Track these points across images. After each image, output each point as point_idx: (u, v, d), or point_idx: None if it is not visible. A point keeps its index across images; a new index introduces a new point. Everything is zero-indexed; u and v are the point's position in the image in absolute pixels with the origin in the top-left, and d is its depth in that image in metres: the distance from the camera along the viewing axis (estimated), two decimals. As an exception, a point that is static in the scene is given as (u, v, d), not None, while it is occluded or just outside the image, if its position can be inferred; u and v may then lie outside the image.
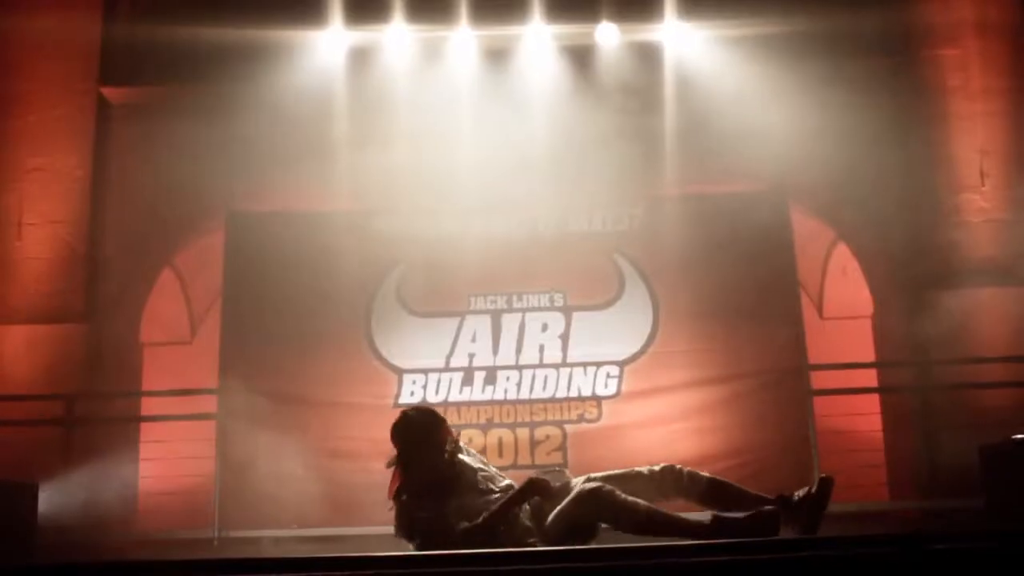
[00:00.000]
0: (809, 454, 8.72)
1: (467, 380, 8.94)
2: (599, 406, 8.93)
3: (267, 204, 9.36)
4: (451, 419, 8.71)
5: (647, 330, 9.07)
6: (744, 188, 9.45)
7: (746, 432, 8.85)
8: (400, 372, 8.98)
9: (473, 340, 9.01)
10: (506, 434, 8.85)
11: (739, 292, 9.04)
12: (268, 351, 8.89)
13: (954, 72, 10.17)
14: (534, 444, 8.82)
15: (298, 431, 8.65)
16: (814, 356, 9.27)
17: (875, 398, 10.15)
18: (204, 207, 9.56)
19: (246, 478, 8.34)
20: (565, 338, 9.02)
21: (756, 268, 9.13)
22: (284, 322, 8.96)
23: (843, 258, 11.34)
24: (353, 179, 9.00)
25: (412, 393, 8.92)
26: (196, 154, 9.09)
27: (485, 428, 8.84)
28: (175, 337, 11.66)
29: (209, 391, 8.94)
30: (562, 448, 8.81)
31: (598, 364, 8.97)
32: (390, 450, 8.48)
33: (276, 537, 8.36)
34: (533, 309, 9.09)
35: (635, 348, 9.04)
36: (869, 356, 10.35)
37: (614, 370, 8.98)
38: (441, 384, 8.95)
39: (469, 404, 8.90)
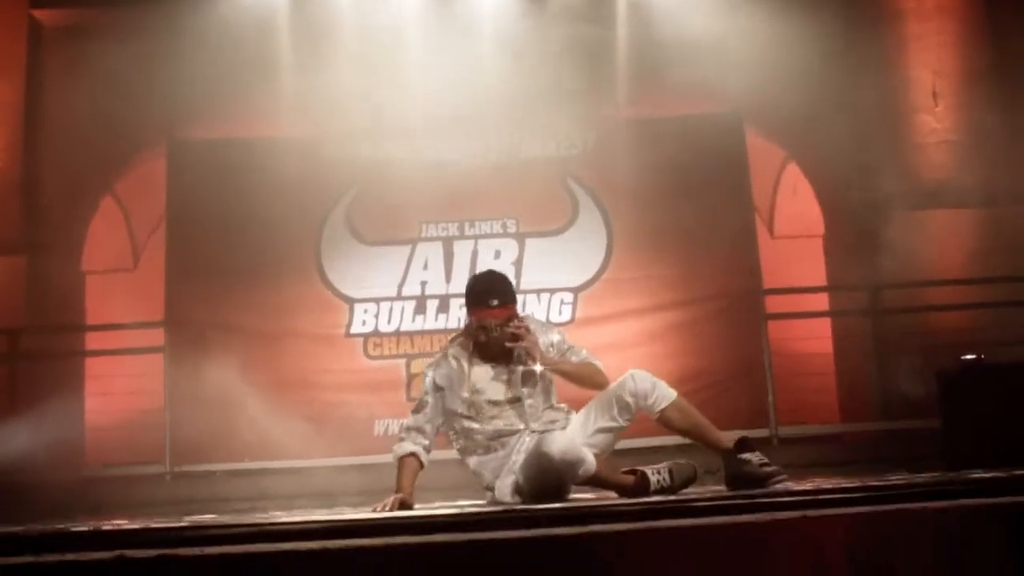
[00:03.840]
0: (763, 378, 8.72)
1: (420, 309, 8.85)
2: (553, 333, 8.82)
3: (211, 131, 9.11)
4: (404, 349, 8.72)
5: (601, 256, 9.01)
6: (699, 110, 9.33)
7: (701, 357, 8.84)
8: (351, 301, 8.85)
9: (425, 268, 8.90)
10: None
11: (694, 216, 8.98)
12: (215, 281, 8.73)
13: (908, -8, 10.05)
14: None
15: (248, 362, 8.51)
16: (766, 274, 9.26)
17: (828, 321, 10.18)
18: (145, 133, 9.28)
19: (196, 412, 8.17)
20: (518, 265, 8.94)
21: (711, 192, 9.09)
22: (231, 252, 8.78)
23: (793, 178, 11.31)
24: (301, 104, 8.75)
25: (364, 323, 8.81)
26: (135, 78, 8.74)
27: None
28: (118, 265, 11.44)
29: (155, 324, 8.74)
30: None
31: (552, 291, 8.91)
32: (372, 368, 8.80)
33: (229, 471, 8.28)
34: (486, 236, 9.00)
35: (589, 274, 8.99)
36: (820, 275, 10.36)
37: (568, 297, 8.92)
38: (393, 313, 8.84)
39: (422, 333, 8.80)
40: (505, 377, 4.71)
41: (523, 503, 4.53)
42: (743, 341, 8.87)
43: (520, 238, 8.98)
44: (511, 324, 4.60)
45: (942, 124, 9.94)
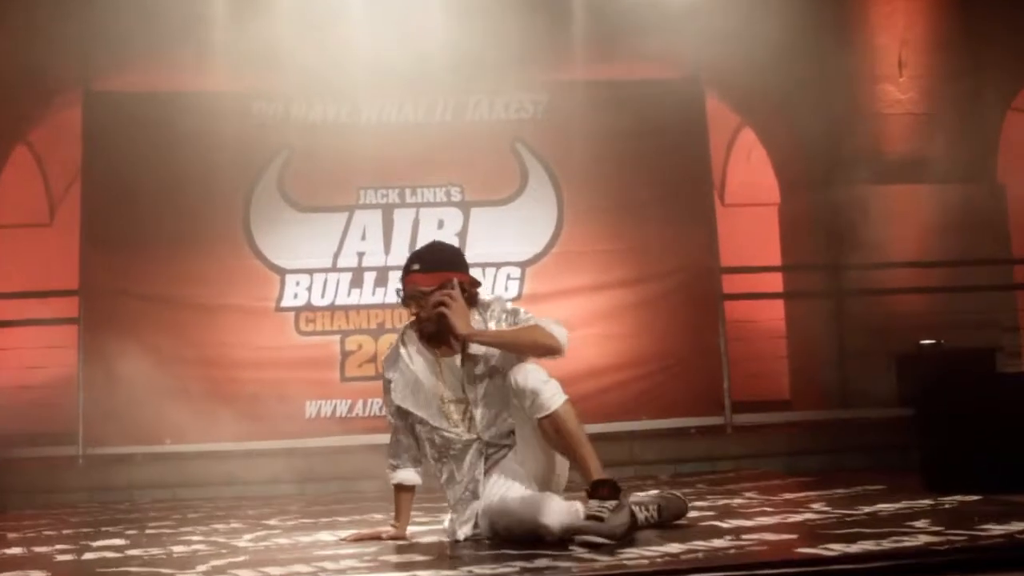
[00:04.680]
0: (719, 363, 8.33)
1: (356, 281, 8.34)
2: (499, 310, 8.34)
3: (131, 83, 8.44)
4: (339, 324, 8.33)
5: (551, 228, 8.55)
6: (656, 75, 8.85)
7: (654, 339, 8.44)
8: (282, 272, 8.31)
9: (363, 238, 8.39)
10: None
11: (649, 188, 8.57)
12: (135, 249, 8.14)
13: (875, -45, 9.66)
14: None
15: (170, 336, 8.02)
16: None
17: (780, 302, 9.84)
18: (61, 81, 8.60)
19: (113, 389, 7.65)
20: (463, 236, 8.43)
21: (669, 162, 8.67)
22: (152, 216, 8.18)
23: (748, 144, 10.94)
24: (230, 56, 8.05)
25: (295, 295, 8.30)
26: (47, 22, 8.07)
27: (376, 334, 8.25)
28: (32, 219, 10.82)
29: (69, 293, 8.17)
30: None
31: (498, 265, 8.44)
32: (303, 344, 8.20)
33: (149, 454, 7.77)
34: (428, 204, 8.49)
35: (538, 248, 8.54)
36: (773, 247, 10.02)
37: (515, 271, 8.47)
38: (328, 286, 8.33)
39: (359, 308, 8.30)
40: (452, 369, 4.13)
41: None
42: (698, 322, 8.48)
43: (465, 207, 8.47)
44: (437, 292, 4.02)
45: (906, 95, 9.63)
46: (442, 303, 3.98)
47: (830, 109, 9.35)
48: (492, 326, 4.06)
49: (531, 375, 3.87)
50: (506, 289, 8.36)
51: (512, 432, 4.11)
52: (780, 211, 10.15)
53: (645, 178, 8.56)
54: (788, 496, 5.29)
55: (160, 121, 8.17)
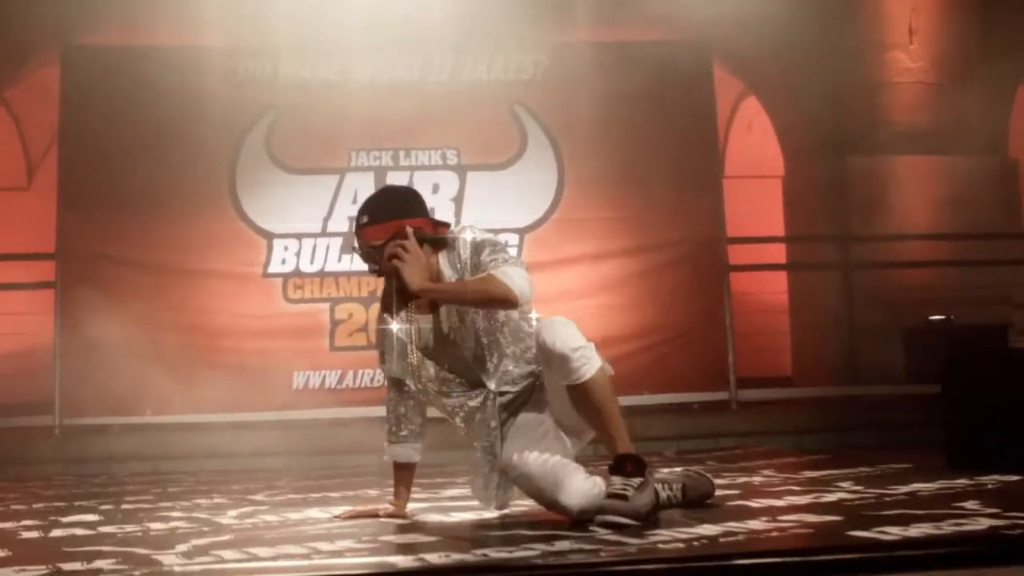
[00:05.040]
0: (724, 336, 8.03)
1: (347, 247, 7.94)
2: (496, 279, 8.03)
3: (112, 36, 8.09)
4: (328, 292, 8.07)
5: (551, 194, 8.25)
6: (661, 36, 8.52)
7: (657, 311, 8.15)
8: (270, 236, 8.00)
9: (354, 201, 7.95)
10: None
11: (655, 154, 8.26)
12: (114, 209, 7.80)
13: (885, -86, 9.34)
14: None
15: (152, 303, 7.70)
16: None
17: (784, 274, 9.56)
18: (36, 34, 8.16)
19: (91, 357, 7.34)
20: (459, 201, 8.15)
21: (674, 128, 8.37)
22: (133, 176, 7.85)
23: (749, 112, 10.63)
24: (217, 10, 7.70)
25: (283, 261, 8.00)
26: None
27: (368, 302, 7.90)
28: (9, 183, 10.46)
29: (45, 256, 7.84)
30: None
31: (496, 231, 7.84)
32: (291, 312, 7.83)
33: (127, 425, 7.43)
34: (423, 167, 8.17)
35: (537, 214, 8.24)
36: (777, 221, 9.72)
37: (513, 239, 8.17)
38: (317, 251, 8.03)
39: (350, 275, 7.98)
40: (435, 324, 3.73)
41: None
42: (703, 294, 8.20)
43: (461, 171, 8.15)
44: (388, 245, 3.61)
45: (916, 64, 9.31)
46: (395, 255, 3.58)
47: (838, 77, 9.05)
48: (454, 272, 3.66)
49: (560, 338, 3.45)
50: (504, 257, 8.00)
51: (530, 374, 3.72)
52: (784, 182, 9.86)
53: (649, 144, 8.24)
54: (810, 474, 4.97)
55: (142, 77, 7.81)
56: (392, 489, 3.93)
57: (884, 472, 4.87)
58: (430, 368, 3.76)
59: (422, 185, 8.00)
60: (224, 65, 7.96)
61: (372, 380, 7.78)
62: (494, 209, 8.08)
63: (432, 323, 3.74)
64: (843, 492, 4.03)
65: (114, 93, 7.84)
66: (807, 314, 9.32)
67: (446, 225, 3.81)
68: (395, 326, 3.75)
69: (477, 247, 3.66)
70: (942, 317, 8.62)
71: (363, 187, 8.00)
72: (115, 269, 7.68)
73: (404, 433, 3.87)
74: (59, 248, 7.76)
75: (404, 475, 3.92)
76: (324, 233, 8.02)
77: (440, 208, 8.05)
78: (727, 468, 5.50)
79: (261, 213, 7.98)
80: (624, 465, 3.44)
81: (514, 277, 3.55)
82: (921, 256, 8.83)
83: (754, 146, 10.75)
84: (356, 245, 3.74)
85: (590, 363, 3.45)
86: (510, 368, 3.72)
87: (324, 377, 7.81)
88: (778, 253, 9.56)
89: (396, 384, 3.86)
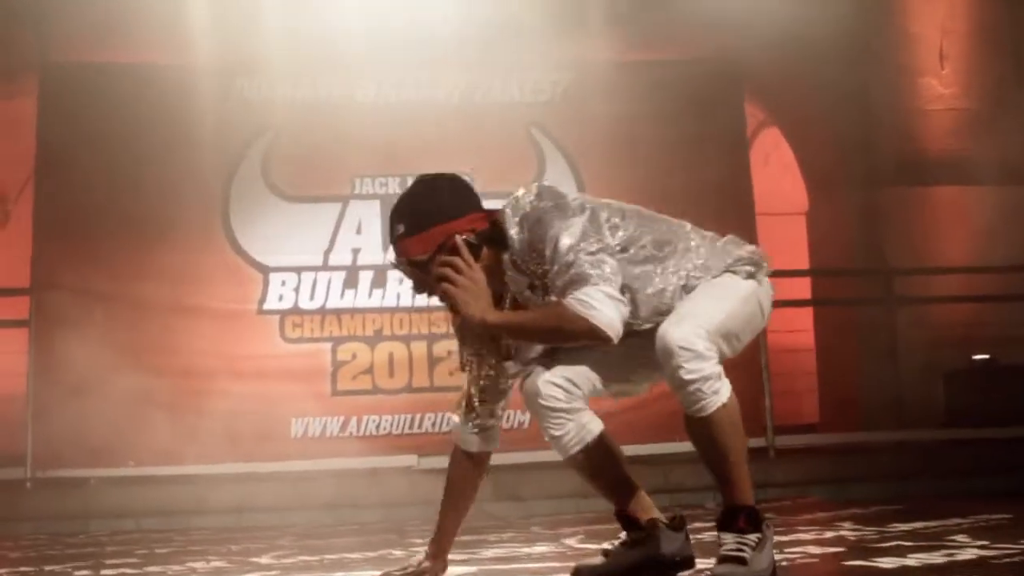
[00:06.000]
0: (759, 378, 7.46)
1: (350, 282, 7.60)
2: (512, 315, 7.53)
3: (95, 53, 7.59)
4: (329, 330, 7.65)
5: (568, 223, 7.63)
6: (685, 56, 8.10)
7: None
8: (266, 270, 7.54)
9: (358, 232, 7.65)
10: (398, 348, 7.54)
11: (681, 180, 7.75)
12: (96, 240, 7.34)
13: (914, -65, 9.04)
14: (433, 361, 7.52)
15: (136, 342, 7.21)
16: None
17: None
18: (15, 56, 7.78)
19: (68, 402, 6.84)
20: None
21: (701, 153, 7.96)
22: (118, 204, 7.38)
23: (767, 145, 10.19)
24: (209, 26, 7.29)
25: (281, 297, 7.52)
26: None
27: (373, 341, 7.50)
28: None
29: (18, 292, 7.29)
30: None
31: None
32: (289, 353, 7.32)
33: (108, 478, 6.84)
34: (433, 194, 7.55)
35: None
36: (798, 255, 9.29)
37: None
38: (318, 286, 7.56)
39: (353, 311, 7.54)
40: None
41: None
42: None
43: (474, 198, 7.56)
44: (435, 261, 2.90)
45: (949, 89, 8.96)
46: (444, 277, 2.88)
47: (867, 105, 8.76)
48: (519, 275, 2.94)
49: (681, 364, 2.78)
50: (521, 293, 7.50)
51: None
52: (809, 217, 9.41)
53: (675, 171, 7.79)
54: (901, 527, 4.34)
55: (128, 97, 7.41)
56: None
57: (993, 524, 4.27)
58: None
59: None
60: (217, 85, 7.55)
61: (378, 427, 7.31)
62: (509, 239, 7.55)
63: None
64: (977, 549, 3.41)
65: (96, 114, 7.40)
66: (836, 353, 8.84)
67: (494, 216, 3.03)
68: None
69: (536, 237, 2.89)
70: (986, 357, 8.16)
71: (367, 216, 7.63)
72: (95, 305, 7.18)
73: (472, 412, 3.08)
74: (34, 282, 7.25)
75: (453, 492, 3.14)
76: (325, 267, 7.57)
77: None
78: (792, 521, 4.95)
79: (257, 245, 7.53)
80: (736, 518, 2.82)
81: (597, 304, 2.81)
82: (960, 291, 8.43)
83: (771, 180, 10.29)
84: (394, 260, 3.01)
85: (712, 397, 2.83)
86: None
87: (325, 424, 7.33)
88: (802, 289, 9.06)
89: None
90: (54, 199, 7.37)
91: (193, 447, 6.84)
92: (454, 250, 2.89)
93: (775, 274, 8.58)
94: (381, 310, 7.48)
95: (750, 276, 3.01)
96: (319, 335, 7.47)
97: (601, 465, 3.04)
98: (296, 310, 7.46)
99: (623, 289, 2.87)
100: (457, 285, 2.86)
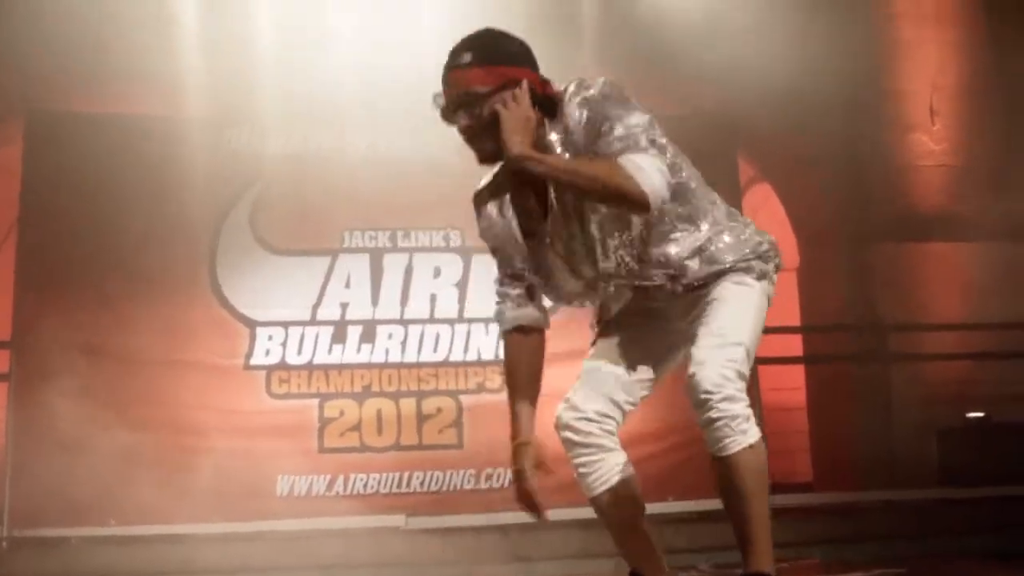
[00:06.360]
0: (754, 435, 7.34)
1: (339, 337, 7.36)
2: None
3: (82, 102, 7.44)
4: (317, 386, 7.43)
5: (562, 280, 7.50)
6: (677, 111, 8.00)
7: (678, 408, 7.32)
8: (253, 324, 7.28)
9: (347, 286, 7.43)
10: (387, 405, 7.30)
11: (675, 237, 7.55)
12: (80, 292, 7.08)
13: (904, -8, 9.04)
14: (422, 419, 7.30)
15: (118, 396, 6.94)
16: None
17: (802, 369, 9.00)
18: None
19: (47, 458, 6.59)
20: (463, 287, 7.49)
21: None
22: (102, 255, 7.14)
23: (755, 200, 10.13)
24: (201, 77, 7.21)
25: (268, 351, 7.26)
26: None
27: (361, 398, 7.26)
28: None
29: (0, 344, 7.09)
30: (456, 424, 7.33)
31: None
32: (276, 409, 7.07)
33: (89, 537, 6.62)
34: (424, 249, 7.53)
35: (546, 302, 7.42)
36: (788, 312, 9.16)
37: None
38: (306, 341, 7.32)
39: (341, 367, 7.31)
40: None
41: None
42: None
43: (465, 254, 7.48)
44: (492, 98, 2.89)
45: (940, 146, 8.94)
46: (500, 105, 2.86)
47: (859, 160, 8.72)
48: (567, 152, 2.90)
49: (713, 405, 2.80)
50: (510, 348, 7.38)
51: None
52: (800, 272, 9.33)
53: (667, 226, 7.63)
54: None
55: (115, 148, 7.16)
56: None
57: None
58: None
59: (423, 270, 7.54)
60: (206, 136, 7.33)
61: (365, 486, 7.07)
62: (500, 296, 7.42)
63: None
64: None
65: (82, 164, 7.13)
66: (829, 411, 8.74)
67: (551, 88, 3.03)
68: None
69: (597, 116, 2.88)
70: (980, 415, 8.09)
71: (357, 270, 7.43)
72: (78, 358, 6.90)
73: (516, 291, 3.19)
74: (15, 335, 7.02)
75: (519, 377, 3.13)
76: (313, 321, 7.33)
77: (442, 294, 7.44)
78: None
79: (244, 298, 7.29)
80: None
81: (647, 168, 2.79)
82: (954, 348, 8.38)
83: (763, 235, 10.28)
84: (442, 96, 2.98)
85: (737, 437, 2.81)
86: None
87: (312, 482, 7.07)
88: (794, 347, 8.97)
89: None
90: (37, 249, 7.13)
91: (177, 506, 6.59)
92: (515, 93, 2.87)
93: (782, 330, 8.54)
94: (370, 366, 7.27)
95: (763, 276, 2.98)
96: (306, 391, 7.24)
97: (623, 511, 3.01)
98: (283, 365, 7.23)
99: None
100: (510, 112, 2.84)
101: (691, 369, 2.83)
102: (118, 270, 7.11)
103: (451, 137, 7.78)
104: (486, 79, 2.88)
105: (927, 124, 8.92)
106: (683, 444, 7.28)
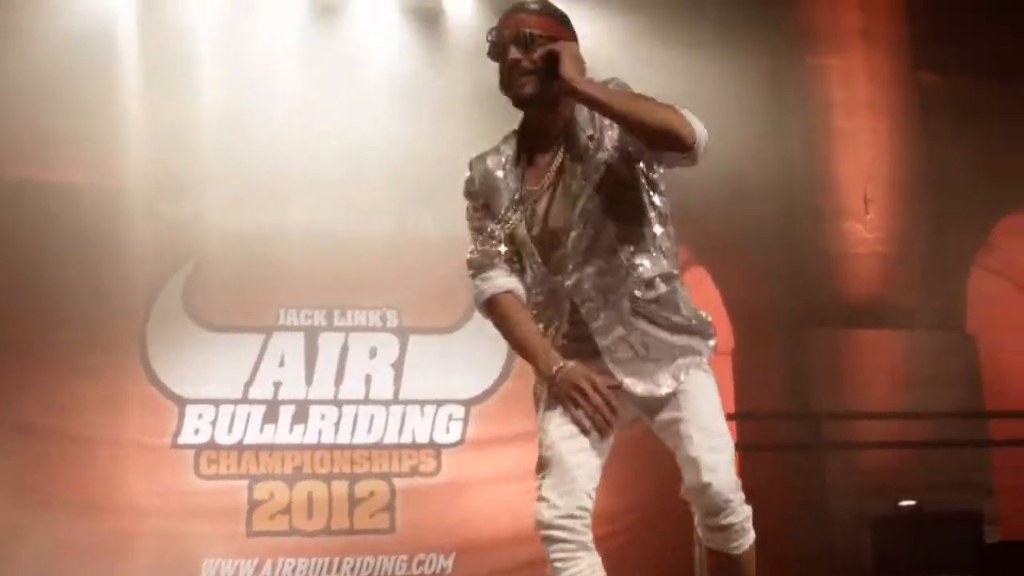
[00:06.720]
0: (690, 524, 7.26)
1: (270, 417, 7.31)
2: (438, 456, 7.48)
3: (10, 169, 7.25)
4: (247, 467, 7.36)
5: (500, 362, 7.54)
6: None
7: (617, 492, 7.32)
8: (182, 402, 7.22)
9: (281, 365, 7.40)
10: (318, 488, 7.26)
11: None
12: (5, 365, 6.95)
13: (838, 83, 9.16)
14: (354, 502, 7.27)
15: (37, 475, 6.82)
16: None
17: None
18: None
19: None
20: (399, 368, 7.50)
21: None
22: (27, 327, 6.99)
23: (691, 283, 10.15)
24: (137, 146, 7.12)
25: (197, 431, 7.19)
26: None
27: (291, 480, 7.21)
28: None
29: None
30: (389, 508, 7.31)
31: (439, 403, 7.53)
32: (204, 490, 6.98)
33: None
34: (360, 329, 7.53)
35: (485, 384, 7.61)
36: (727, 399, 9.15)
37: (458, 411, 7.55)
38: (236, 421, 7.26)
39: (272, 448, 7.26)
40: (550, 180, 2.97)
41: None
42: (663, 477, 7.38)
43: (402, 334, 7.51)
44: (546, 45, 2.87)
45: (873, 234, 9.04)
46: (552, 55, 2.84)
47: (793, 247, 8.75)
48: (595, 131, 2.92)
49: (734, 509, 2.89)
50: (448, 431, 7.41)
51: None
52: (734, 357, 9.34)
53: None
54: None
55: (42, 216, 7.04)
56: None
57: None
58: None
59: (357, 348, 7.52)
60: (141, 205, 7.26)
61: (294, 570, 6.94)
62: (437, 378, 7.52)
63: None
64: None
65: (8, 233, 7.00)
66: (764, 499, 8.69)
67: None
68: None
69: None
70: (912, 503, 8.12)
71: (291, 349, 7.40)
72: (4, 438, 6.79)
73: (497, 267, 3.09)
74: (-64, 409, 6.84)
75: (517, 319, 3.05)
76: (245, 400, 7.27)
77: (378, 375, 7.40)
78: None
79: (173, 375, 7.21)
80: None
81: (699, 123, 2.91)
82: (887, 436, 8.37)
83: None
84: (497, 29, 2.93)
85: (740, 537, 2.93)
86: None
87: (239, 567, 6.97)
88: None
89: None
90: (-36, 320, 7.00)
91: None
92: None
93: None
94: (302, 447, 7.21)
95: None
96: (235, 472, 7.16)
97: None
98: (212, 445, 7.15)
99: None
100: (564, 51, 2.82)
101: (704, 478, 2.90)
102: (43, 342, 6.96)
103: (390, 217, 7.75)
104: (547, 26, 2.90)
105: (861, 213, 9.00)
106: (615, 533, 7.30)
